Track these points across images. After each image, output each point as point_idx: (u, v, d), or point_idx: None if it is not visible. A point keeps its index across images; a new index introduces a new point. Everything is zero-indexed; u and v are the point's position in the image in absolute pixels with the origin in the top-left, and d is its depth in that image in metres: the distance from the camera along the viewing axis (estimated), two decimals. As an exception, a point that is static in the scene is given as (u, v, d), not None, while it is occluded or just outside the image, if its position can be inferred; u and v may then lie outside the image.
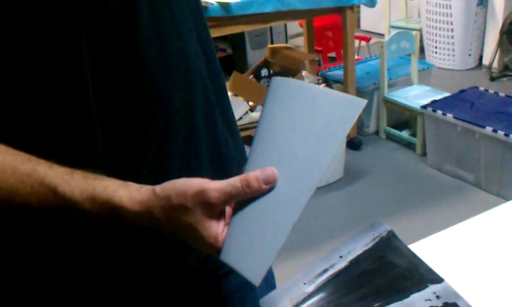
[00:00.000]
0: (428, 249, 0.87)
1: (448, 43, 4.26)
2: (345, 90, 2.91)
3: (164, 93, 0.65)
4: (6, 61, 0.56)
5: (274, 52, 3.18)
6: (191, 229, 0.55)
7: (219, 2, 2.47)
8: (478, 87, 3.04)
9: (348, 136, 3.09)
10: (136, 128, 0.64)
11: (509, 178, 2.53)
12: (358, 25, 5.36)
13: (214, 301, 0.81)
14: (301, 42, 4.36)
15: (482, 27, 4.21)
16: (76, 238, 0.64)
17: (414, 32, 3.23)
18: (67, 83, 0.58)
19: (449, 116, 2.71)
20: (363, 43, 4.08)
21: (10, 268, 0.67)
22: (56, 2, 0.55)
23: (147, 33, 0.62)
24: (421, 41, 3.92)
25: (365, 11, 5.33)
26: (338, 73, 3.30)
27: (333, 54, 4.21)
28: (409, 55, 3.25)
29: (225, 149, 0.76)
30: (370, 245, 0.79)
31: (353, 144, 3.16)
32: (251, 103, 2.90)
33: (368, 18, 5.29)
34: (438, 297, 0.71)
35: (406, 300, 0.71)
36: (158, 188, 0.56)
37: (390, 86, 3.22)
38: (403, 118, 3.29)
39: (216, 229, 0.56)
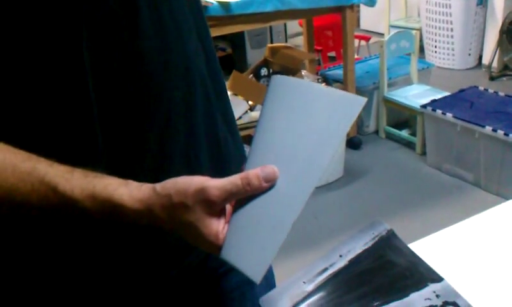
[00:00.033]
0: (428, 248, 0.87)
1: (448, 43, 4.27)
2: (344, 89, 2.91)
3: (165, 93, 0.66)
4: (6, 60, 0.56)
5: (273, 51, 3.18)
6: (192, 227, 0.55)
7: (219, 2, 2.47)
8: (478, 87, 3.04)
9: (348, 135, 3.10)
10: (136, 127, 0.64)
11: (509, 178, 2.53)
12: (358, 25, 5.36)
13: (213, 300, 0.81)
14: (300, 41, 4.36)
15: (482, 26, 4.21)
16: (76, 238, 0.64)
17: (414, 32, 3.23)
18: (68, 83, 0.58)
19: (449, 115, 2.71)
20: (363, 42, 4.08)
21: (10, 268, 0.67)
22: (56, 2, 0.56)
23: (148, 33, 0.62)
24: (421, 40, 3.92)
25: (364, 11, 5.34)
26: (338, 72, 3.31)
27: (332, 54, 4.21)
28: (409, 54, 3.25)
29: (225, 149, 0.76)
30: (370, 245, 0.79)
31: (353, 143, 3.16)
32: (250, 102, 2.91)
33: (368, 18, 5.29)
34: (437, 296, 0.71)
35: (405, 299, 0.71)
36: (158, 186, 0.56)
37: (390, 85, 3.23)
38: (403, 117, 3.29)
39: (217, 227, 0.56)
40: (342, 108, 0.59)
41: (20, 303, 0.69)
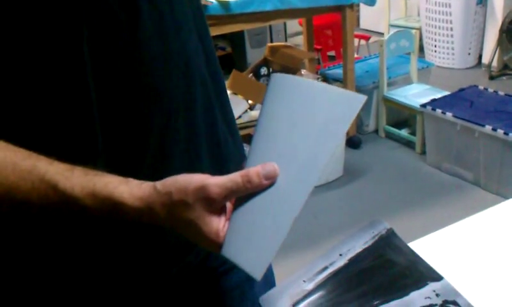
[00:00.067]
0: (427, 247, 0.87)
1: (447, 42, 4.27)
2: (344, 89, 2.90)
3: (165, 92, 0.66)
4: (7, 60, 0.56)
5: (273, 50, 3.18)
6: (192, 225, 0.55)
7: (218, 1, 2.47)
8: (477, 86, 3.04)
9: (347, 135, 3.10)
10: (137, 127, 0.64)
11: (508, 177, 2.54)
12: (358, 24, 5.36)
13: (213, 298, 0.81)
14: (300, 41, 4.35)
15: (482, 25, 4.21)
16: (76, 236, 0.64)
17: (413, 31, 3.23)
18: (68, 82, 0.58)
19: (449, 114, 2.71)
20: (363, 41, 4.08)
21: (10, 268, 0.67)
22: (56, 1, 0.55)
23: (148, 32, 0.62)
24: (420, 39, 3.92)
25: (364, 10, 5.34)
26: (338, 71, 3.31)
27: (332, 53, 4.21)
28: (409, 54, 3.25)
29: (225, 149, 0.76)
30: (369, 243, 0.79)
31: (352, 142, 3.16)
32: (250, 101, 2.90)
33: (368, 17, 5.29)
34: (437, 294, 0.71)
35: (405, 298, 0.71)
36: (159, 184, 0.56)
37: (390, 84, 3.22)
38: (402, 116, 3.29)
39: (217, 224, 0.56)
40: (342, 106, 0.59)
41: (20, 303, 0.69)
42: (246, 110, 2.85)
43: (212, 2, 2.47)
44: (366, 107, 3.22)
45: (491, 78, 4.00)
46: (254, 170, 0.56)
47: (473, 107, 2.78)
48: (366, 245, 0.78)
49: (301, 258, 2.13)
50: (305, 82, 0.63)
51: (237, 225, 0.56)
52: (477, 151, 2.64)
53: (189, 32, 0.69)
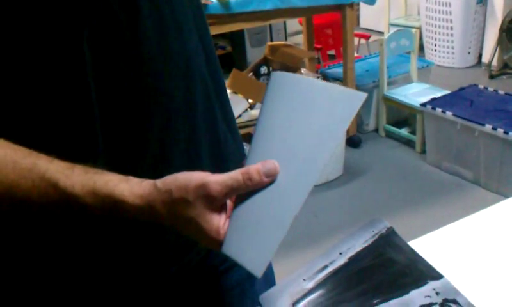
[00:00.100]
0: (427, 246, 0.87)
1: (447, 41, 4.27)
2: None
3: (165, 92, 0.66)
4: (7, 59, 0.56)
5: (273, 49, 3.17)
6: (193, 223, 0.55)
7: (218, 0, 2.47)
8: (477, 85, 3.04)
9: (347, 134, 3.10)
10: (137, 127, 0.64)
11: (508, 176, 2.54)
12: (358, 23, 5.36)
13: (213, 297, 0.81)
14: (300, 40, 4.35)
15: (482, 25, 4.21)
16: (76, 235, 0.64)
17: (413, 30, 3.23)
18: (69, 82, 0.58)
19: (449, 113, 2.71)
20: (363, 40, 4.08)
21: (10, 268, 0.67)
22: (56, 2, 0.55)
23: (148, 32, 0.62)
24: (420, 39, 3.92)
25: (364, 9, 5.33)
26: (338, 70, 3.31)
27: (332, 52, 4.21)
28: (409, 53, 3.25)
29: (225, 148, 0.76)
30: (369, 242, 0.79)
31: (352, 141, 3.16)
32: (250, 100, 2.91)
33: (368, 16, 5.29)
34: (437, 293, 0.71)
35: (405, 297, 0.71)
36: (159, 182, 0.56)
37: (390, 83, 3.23)
38: (402, 115, 3.29)
39: (218, 222, 0.56)
40: (342, 103, 0.59)
41: (20, 303, 0.69)
42: (246, 110, 2.85)
43: (212, 1, 2.47)
44: (366, 106, 3.23)
45: (491, 77, 4.00)
46: (254, 167, 0.56)
47: (473, 106, 2.78)
48: (366, 244, 0.79)
49: (301, 256, 2.13)
50: (305, 80, 0.63)
51: (237, 223, 0.56)
52: (477, 150, 2.64)
53: (189, 32, 0.69)
